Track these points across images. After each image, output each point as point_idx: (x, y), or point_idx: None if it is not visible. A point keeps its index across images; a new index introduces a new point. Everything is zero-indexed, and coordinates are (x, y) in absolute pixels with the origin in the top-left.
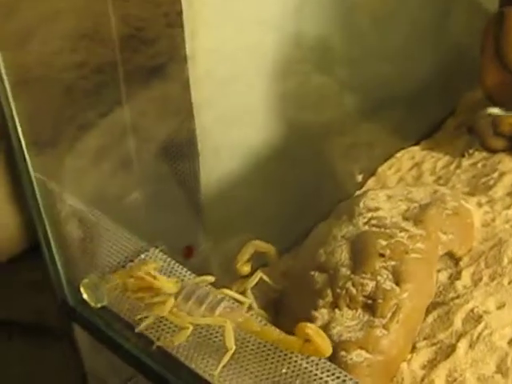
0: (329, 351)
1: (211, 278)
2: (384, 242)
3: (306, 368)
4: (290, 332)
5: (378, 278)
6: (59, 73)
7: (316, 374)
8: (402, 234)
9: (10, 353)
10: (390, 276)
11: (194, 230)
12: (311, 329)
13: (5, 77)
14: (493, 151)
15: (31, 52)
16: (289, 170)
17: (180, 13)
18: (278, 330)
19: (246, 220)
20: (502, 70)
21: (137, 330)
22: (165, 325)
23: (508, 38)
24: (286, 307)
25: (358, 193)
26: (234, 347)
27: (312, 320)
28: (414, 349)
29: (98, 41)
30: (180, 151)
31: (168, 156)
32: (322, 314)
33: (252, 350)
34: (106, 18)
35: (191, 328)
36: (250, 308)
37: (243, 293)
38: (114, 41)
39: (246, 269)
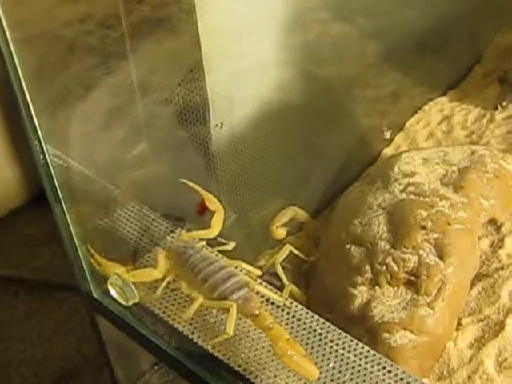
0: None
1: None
2: (425, 213)
3: (354, 362)
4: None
5: (420, 252)
6: (59, 27)
7: (366, 369)
8: (443, 202)
9: (17, 310)
10: (433, 250)
11: (207, 185)
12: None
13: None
14: None
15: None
16: (306, 125)
17: None
18: (286, 335)
19: (259, 174)
20: None
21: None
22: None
23: None
24: (317, 282)
25: (385, 150)
26: (231, 333)
27: (350, 298)
28: (459, 326)
29: None
30: (190, 105)
31: (178, 110)
32: (361, 292)
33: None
34: None
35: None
36: (283, 286)
37: (272, 266)
38: None
39: (282, 232)
